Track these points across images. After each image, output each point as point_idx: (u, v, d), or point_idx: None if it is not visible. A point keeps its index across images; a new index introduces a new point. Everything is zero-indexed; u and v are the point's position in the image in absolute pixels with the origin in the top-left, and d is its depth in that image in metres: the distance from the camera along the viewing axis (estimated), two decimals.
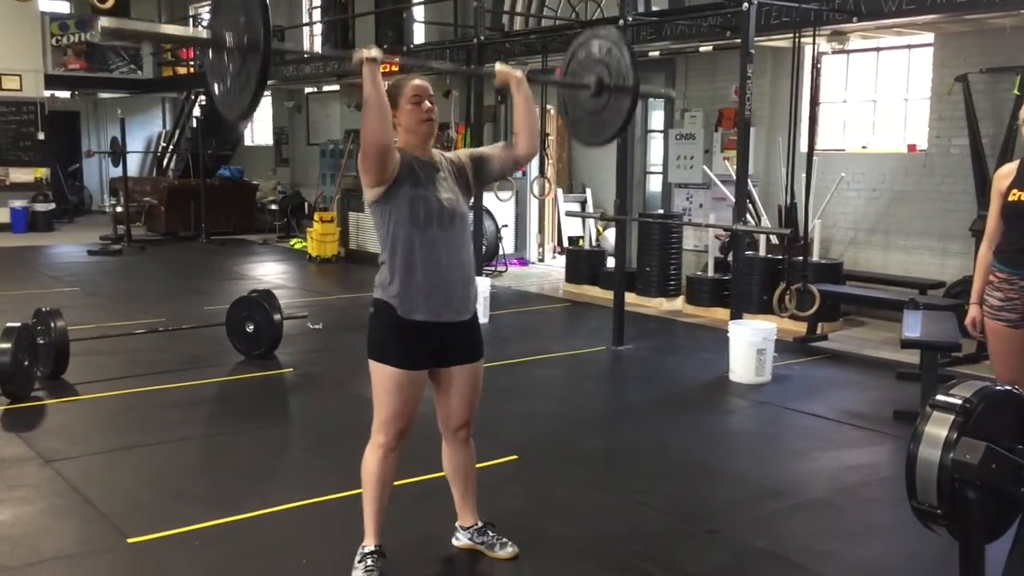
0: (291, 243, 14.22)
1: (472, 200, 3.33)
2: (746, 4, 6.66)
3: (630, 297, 8.44)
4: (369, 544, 3.32)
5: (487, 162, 3.39)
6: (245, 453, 4.88)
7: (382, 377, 3.22)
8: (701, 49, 9.27)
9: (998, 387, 2.88)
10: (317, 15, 16.36)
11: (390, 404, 3.22)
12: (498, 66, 3.34)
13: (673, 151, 10.05)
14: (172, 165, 18.65)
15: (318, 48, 16.23)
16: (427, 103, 3.20)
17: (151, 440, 4.99)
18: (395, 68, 11.91)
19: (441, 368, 3.32)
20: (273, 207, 15.72)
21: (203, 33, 2.98)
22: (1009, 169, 4.06)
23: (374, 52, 2.98)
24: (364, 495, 3.31)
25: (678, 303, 9.02)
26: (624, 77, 3.57)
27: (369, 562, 3.28)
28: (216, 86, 2.96)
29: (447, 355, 3.29)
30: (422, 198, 3.15)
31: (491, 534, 3.54)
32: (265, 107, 18.63)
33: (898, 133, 8.73)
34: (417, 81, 3.22)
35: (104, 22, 2.60)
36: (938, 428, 2.73)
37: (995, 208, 4.06)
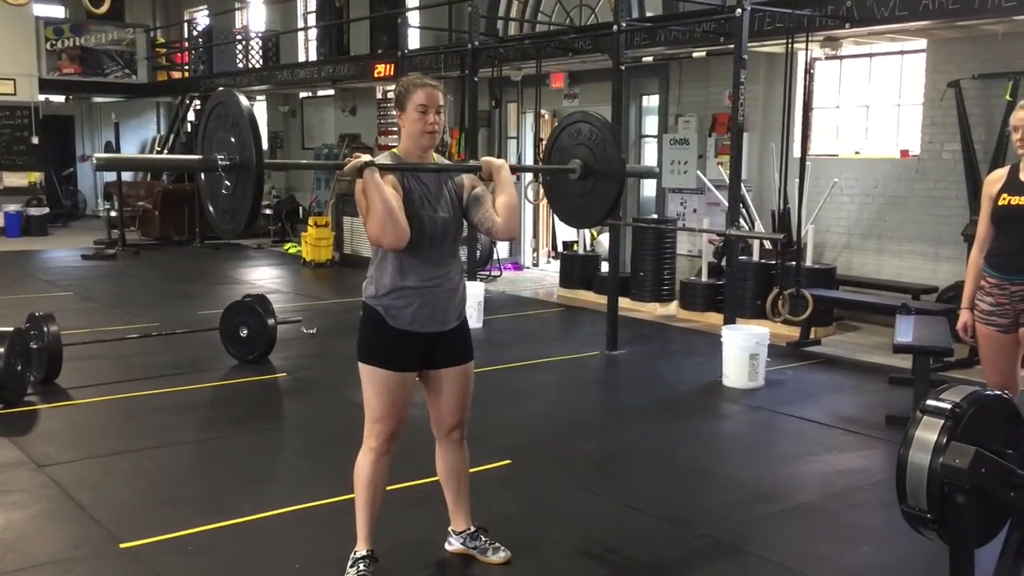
0: (285, 248, 14.22)
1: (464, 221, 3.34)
2: (739, 10, 6.68)
3: (624, 302, 8.46)
4: (361, 549, 3.32)
5: (476, 207, 3.30)
6: (238, 458, 4.88)
7: (371, 379, 3.23)
8: (695, 55, 9.30)
9: (988, 392, 2.88)
10: (312, 20, 16.37)
11: (379, 406, 3.22)
12: (484, 158, 3.34)
13: (667, 156, 10.08)
14: None
15: (313, 54, 16.25)
16: (433, 115, 3.15)
17: (144, 445, 4.99)
18: (391, 71, 11.96)
19: (431, 370, 3.33)
20: (267, 211, 15.70)
21: (196, 156, 3.01)
22: (1000, 174, 4.08)
23: (363, 159, 2.99)
24: (356, 500, 3.31)
25: (672, 308, 9.04)
26: (610, 161, 3.58)
27: (361, 567, 3.28)
28: (210, 206, 2.98)
29: (436, 358, 3.30)
30: (417, 218, 3.12)
31: (484, 539, 3.55)
32: (259, 111, 18.63)
33: (891, 138, 8.75)
34: (429, 88, 3.16)
35: (97, 157, 2.67)
36: (928, 433, 2.74)
37: (986, 213, 4.08)
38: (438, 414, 3.40)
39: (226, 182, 2.87)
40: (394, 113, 3.22)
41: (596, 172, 3.59)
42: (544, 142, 11.46)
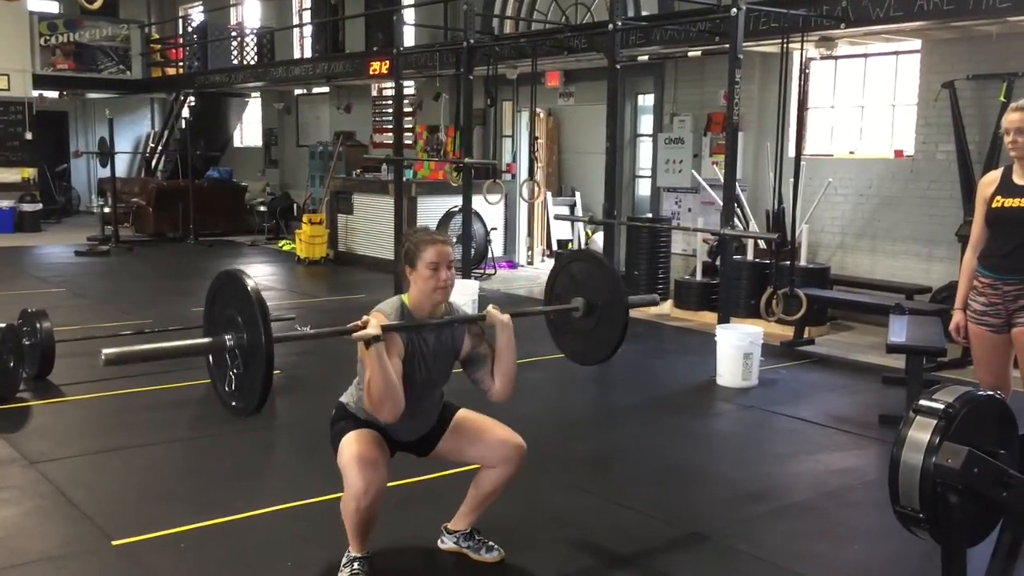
0: (280, 245, 14.19)
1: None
2: (735, 9, 6.69)
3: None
4: (355, 552, 3.31)
5: (477, 366, 3.34)
6: (231, 455, 4.87)
7: (344, 443, 3.20)
8: (690, 54, 9.30)
9: (980, 392, 2.89)
10: (307, 16, 16.34)
11: (356, 461, 3.11)
12: (490, 308, 3.33)
13: (662, 155, 10.08)
14: (161, 166, 18.58)
15: (308, 51, 16.22)
16: (444, 273, 3.16)
17: (137, 442, 4.98)
18: (387, 69, 11.93)
19: (429, 453, 3.43)
20: (262, 209, 15.69)
21: (204, 339, 3.00)
22: (993, 176, 4.09)
23: (372, 329, 2.93)
24: (346, 525, 3.23)
25: (666, 307, 9.04)
26: (611, 292, 3.62)
27: (355, 566, 3.27)
28: (219, 385, 2.97)
29: (420, 445, 3.41)
30: (409, 378, 3.13)
31: (477, 537, 3.55)
32: (254, 108, 18.60)
33: (885, 139, 8.77)
34: (439, 245, 3.17)
35: (106, 353, 2.66)
36: (921, 433, 2.75)
37: (979, 215, 4.09)
38: (483, 458, 3.41)
39: (236, 362, 2.87)
40: (406, 269, 3.22)
41: (599, 308, 3.61)
42: (539, 140, 11.48)
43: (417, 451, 3.44)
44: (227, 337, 2.85)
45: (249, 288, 2.79)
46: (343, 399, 3.38)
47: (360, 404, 3.25)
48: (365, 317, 3.01)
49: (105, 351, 2.63)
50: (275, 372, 5.32)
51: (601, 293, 3.64)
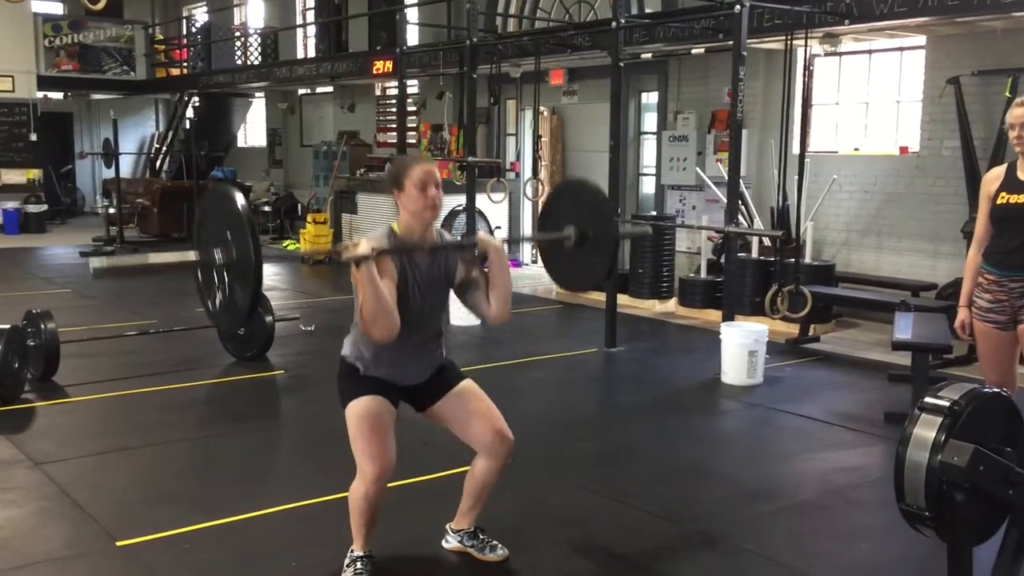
0: (284, 244, 14.20)
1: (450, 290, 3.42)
2: (739, 6, 6.67)
3: (622, 299, 8.45)
4: (358, 550, 3.31)
5: (471, 291, 3.34)
6: (236, 455, 4.87)
7: (352, 413, 3.21)
8: (694, 51, 9.27)
9: (986, 389, 2.88)
10: (311, 16, 16.34)
11: (364, 442, 3.15)
12: (480, 234, 3.32)
13: (666, 153, 10.06)
14: (165, 166, 18.60)
15: (312, 51, 16.22)
16: (432, 189, 3.16)
17: (141, 442, 4.98)
18: (390, 68, 11.93)
19: (426, 409, 3.40)
20: (266, 208, 15.69)
21: (192, 254, 2.99)
22: (998, 172, 4.07)
23: (362, 248, 2.91)
24: (351, 518, 3.26)
25: (671, 305, 9.02)
26: (602, 222, 3.61)
27: (359, 565, 3.27)
28: (208, 300, 2.96)
29: (422, 398, 3.38)
30: (405, 306, 3.12)
31: (481, 537, 3.54)
32: (258, 108, 18.62)
33: (890, 135, 8.74)
34: (424, 165, 3.18)
35: (95, 263, 2.65)
36: (926, 430, 2.73)
37: (984, 211, 4.07)
38: (469, 439, 3.39)
39: (225, 278, 2.86)
40: (394, 193, 3.21)
41: (590, 238, 3.61)
42: (543, 138, 11.47)
43: (417, 403, 3.40)
44: (216, 252, 2.84)
45: (240, 205, 2.77)
46: (343, 351, 3.35)
47: (359, 348, 3.24)
48: (356, 240, 3.00)
49: (93, 263, 2.65)
50: (279, 372, 5.32)
51: (593, 221, 3.62)
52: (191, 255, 2.94)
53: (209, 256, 2.82)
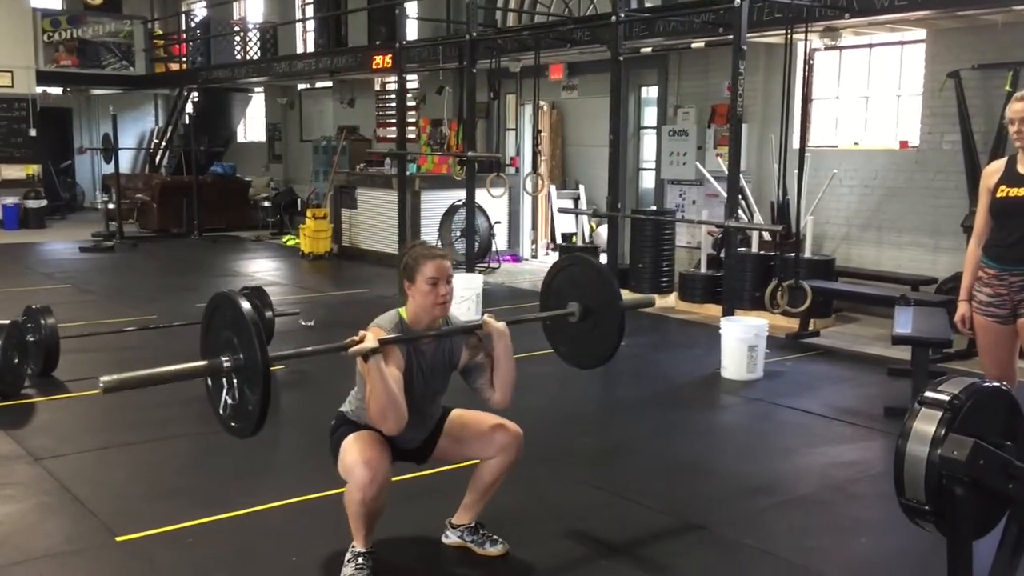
0: (284, 240, 14.19)
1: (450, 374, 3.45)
2: (739, 0, 6.66)
3: (622, 293, 8.43)
4: (359, 546, 3.31)
5: (476, 375, 3.36)
6: (236, 451, 4.84)
7: (346, 444, 3.21)
8: (693, 45, 9.26)
9: (986, 383, 2.88)
10: (310, 11, 16.32)
11: (357, 448, 3.15)
12: (486, 317, 3.32)
13: (666, 147, 10.05)
14: (165, 162, 18.60)
15: (311, 46, 16.20)
16: (443, 287, 3.16)
17: (141, 438, 4.98)
18: (390, 63, 11.91)
19: (427, 458, 3.45)
20: (266, 204, 15.69)
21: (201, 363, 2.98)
22: (997, 166, 4.07)
23: (369, 342, 2.94)
24: (350, 520, 3.24)
25: (671, 299, 9.02)
26: (605, 295, 3.62)
27: (360, 561, 3.27)
28: (218, 408, 2.96)
29: (419, 453, 3.42)
30: (409, 390, 3.12)
31: (482, 532, 3.54)
32: (258, 103, 18.60)
33: (890, 129, 8.73)
34: (438, 260, 3.18)
35: (104, 380, 2.64)
36: (926, 424, 2.73)
37: (984, 205, 4.07)
38: (478, 452, 3.42)
39: (234, 383, 2.86)
40: (404, 283, 3.23)
41: (595, 311, 3.60)
42: (543, 133, 11.46)
43: (417, 458, 3.46)
44: (224, 359, 2.85)
45: (244, 310, 2.78)
46: (343, 408, 3.39)
47: (360, 413, 3.26)
48: (362, 332, 3.01)
49: (103, 378, 2.64)
50: (279, 368, 5.30)
51: (596, 296, 3.63)
52: (201, 364, 2.95)
53: (216, 364, 2.83)
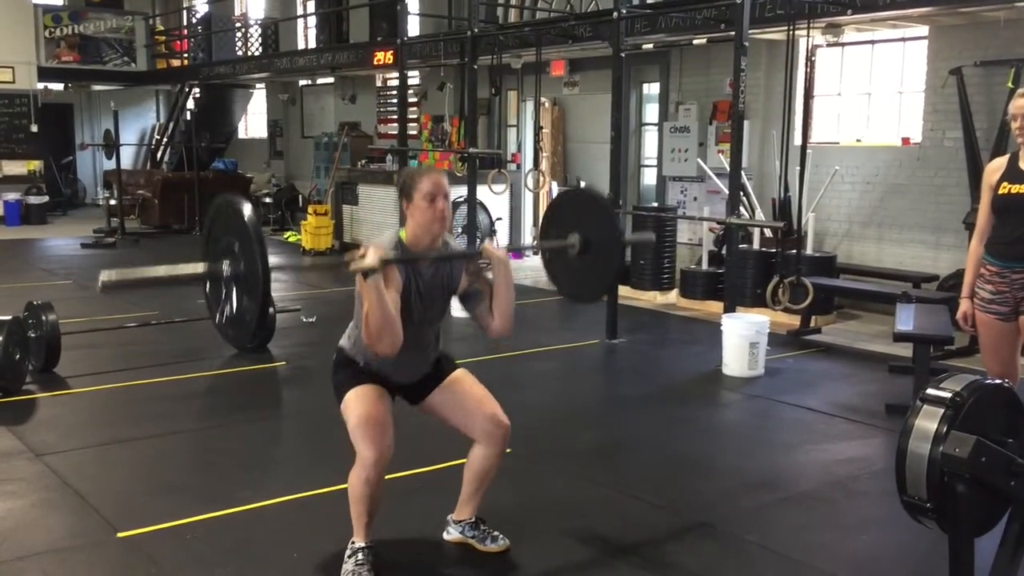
0: (285, 236, 14.19)
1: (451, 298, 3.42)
2: None
3: (624, 290, 8.44)
4: (359, 541, 3.31)
5: (475, 302, 3.34)
6: (237, 446, 4.87)
7: (349, 401, 3.23)
8: (695, 42, 9.25)
9: (988, 381, 2.88)
10: (311, 7, 16.31)
11: (362, 428, 3.16)
12: (486, 244, 3.30)
13: (667, 144, 10.05)
14: (166, 158, 18.59)
15: (312, 42, 16.18)
16: (441, 202, 3.14)
17: (143, 433, 4.98)
18: (391, 59, 11.90)
19: (420, 402, 3.41)
20: (267, 200, 15.68)
21: (200, 268, 2.95)
22: (999, 163, 4.06)
23: (370, 260, 2.89)
24: (351, 508, 3.26)
25: (672, 296, 9.02)
26: (607, 231, 3.58)
27: (360, 556, 3.27)
28: (215, 313, 2.94)
29: (415, 391, 3.40)
30: (407, 314, 3.11)
31: (483, 527, 3.54)
32: (259, 99, 18.58)
33: (892, 126, 8.72)
34: (434, 176, 3.16)
35: (104, 277, 2.59)
36: (928, 422, 2.73)
37: (986, 202, 4.06)
38: (463, 424, 3.39)
39: (233, 291, 2.84)
40: (403, 204, 3.20)
41: (595, 244, 3.57)
42: (544, 129, 11.44)
43: (411, 398, 3.43)
44: (224, 265, 2.82)
45: (247, 217, 2.76)
46: (342, 342, 3.37)
47: (358, 345, 3.25)
48: (363, 247, 2.98)
49: (102, 276, 2.60)
50: (280, 364, 5.32)
51: (597, 230, 3.59)
52: (200, 267, 2.91)
53: (217, 269, 2.79)
